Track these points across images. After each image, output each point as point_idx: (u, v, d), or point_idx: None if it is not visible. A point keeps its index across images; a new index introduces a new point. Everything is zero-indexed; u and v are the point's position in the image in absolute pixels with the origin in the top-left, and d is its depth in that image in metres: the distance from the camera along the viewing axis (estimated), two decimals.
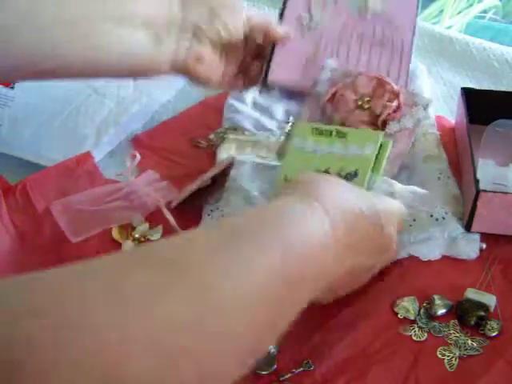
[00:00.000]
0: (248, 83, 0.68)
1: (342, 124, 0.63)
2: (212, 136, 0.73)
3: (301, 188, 0.46)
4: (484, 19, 1.73)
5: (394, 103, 0.62)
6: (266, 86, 0.68)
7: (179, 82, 0.84)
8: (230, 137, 0.72)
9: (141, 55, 0.59)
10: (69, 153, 0.71)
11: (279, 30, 0.66)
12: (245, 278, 0.34)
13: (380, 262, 0.52)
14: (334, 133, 0.59)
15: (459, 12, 1.70)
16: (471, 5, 1.72)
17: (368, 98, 0.63)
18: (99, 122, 0.74)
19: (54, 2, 0.54)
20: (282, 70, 0.66)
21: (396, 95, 0.63)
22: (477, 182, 0.56)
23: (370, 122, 0.63)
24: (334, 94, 0.65)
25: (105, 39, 0.56)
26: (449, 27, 1.63)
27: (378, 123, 0.62)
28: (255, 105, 0.77)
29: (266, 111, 0.76)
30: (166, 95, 0.82)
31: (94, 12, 0.55)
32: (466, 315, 0.51)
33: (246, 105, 0.76)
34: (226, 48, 0.63)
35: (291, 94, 0.72)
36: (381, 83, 0.63)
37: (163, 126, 0.77)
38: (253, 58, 0.67)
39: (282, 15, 0.70)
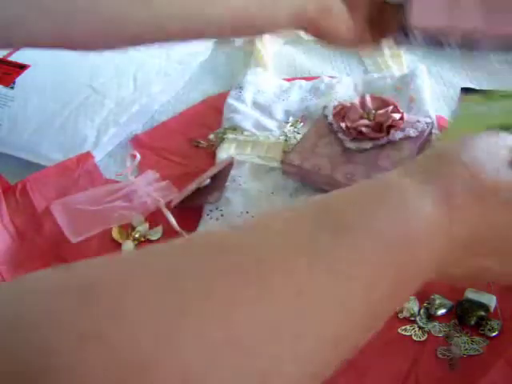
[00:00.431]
0: (381, 34, 0.57)
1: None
2: (212, 136, 0.73)
3: (433, 161, 0.35)
4: None
5: (397, 115, 0.65)
6: (406, 35, 0.54)
7: (179, 82, 0.84)
8: (230, 137, 0.72)
9: (257, 7, 0.51)
10: (69, 153, 0.71)
11: None
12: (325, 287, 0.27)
13: None
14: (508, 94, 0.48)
15: None
16: None
17: (373, 111, 0.66)
18: (99, 122, 0.74)
19: None
20: (424, 12, 0.53)
21: (398, 110, 0.66)
22: None
23: (374, 127, 0.65)
24: (341, 109, 0.67)
25: None
26: None
27: (382, 129, 0.64)
28: (255, 104, 0.77)
29: (265, 111, 0.76)
30: (165, 95, 0.82)
31: None
32: (466, 315, 0.51)
33: (246, 105, 0.76)
34: None
35: (436, 41, 0.55)
36: (385, 102, 0.67)
37: (163, 126, 0.77)
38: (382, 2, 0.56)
39: None
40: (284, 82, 0.80)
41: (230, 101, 0.76)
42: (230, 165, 0.65)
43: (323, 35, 0.55)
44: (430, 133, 0.66)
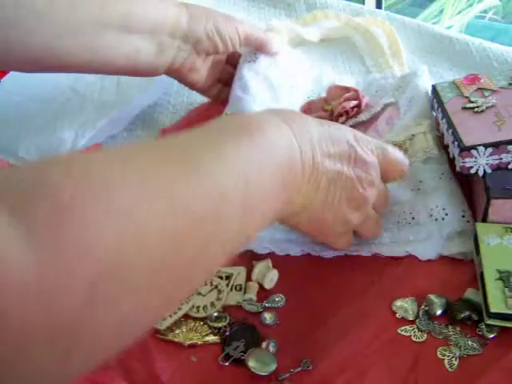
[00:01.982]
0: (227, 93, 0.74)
1: None
2: None
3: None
4: (484, 19, 1.74)
5: (352, 103, 0.66)
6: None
7: (162, 87, 0.82)
8: None
9: (142, 61, 0.66)
10: (45, 156, 0.70)
11: (274, 45, 0.74)
12: (199, 182, 0.36)
13: (355, 218, 0.52)
14: None
15: (459, 12, 1.70)
16: (471, 5, 1.72)
17: (332, 102, 0.68)
18: (77, 126, 0.73)
19: (68, 6, 0.60)
20: (475, 135, 0.57)
21: (358, 97, 0.67)
22: (488, 188, 0.54)
23: (328, 118, 0.66)
24: (311, 104, 0.69)
25: (110, 46, 0.63)
26: (449, 27, 1.63)
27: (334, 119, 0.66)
28: (266, 80, 0.73)
29: (272, 94, 0.74)
30: (147, 100, 0.80)
31: (99, 18, 0.62)
32: (453, 313, 0.51)
33: (258, 75, 0.73)
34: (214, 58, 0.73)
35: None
36: (346, 90, 0.68)
37: (186, 121, 0.77)
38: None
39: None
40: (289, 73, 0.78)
41: (244, 71, 0.73)
42: None
43: (184, 83, 0.75)
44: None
